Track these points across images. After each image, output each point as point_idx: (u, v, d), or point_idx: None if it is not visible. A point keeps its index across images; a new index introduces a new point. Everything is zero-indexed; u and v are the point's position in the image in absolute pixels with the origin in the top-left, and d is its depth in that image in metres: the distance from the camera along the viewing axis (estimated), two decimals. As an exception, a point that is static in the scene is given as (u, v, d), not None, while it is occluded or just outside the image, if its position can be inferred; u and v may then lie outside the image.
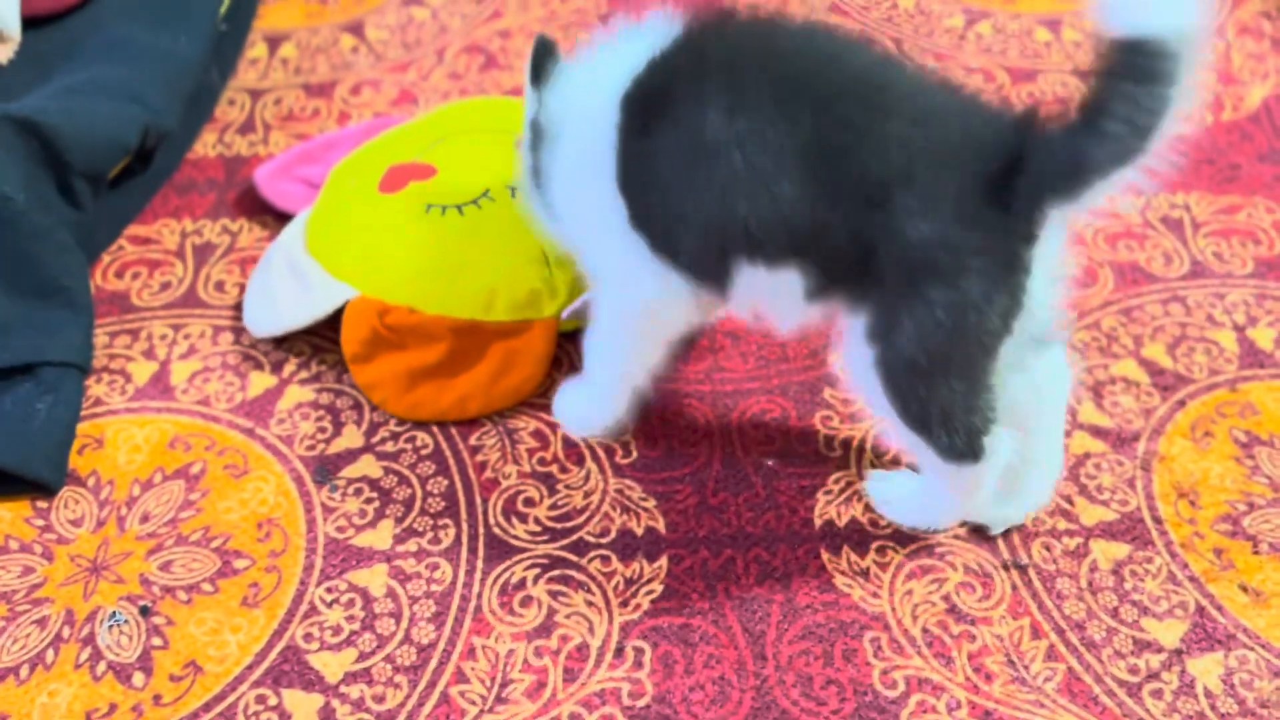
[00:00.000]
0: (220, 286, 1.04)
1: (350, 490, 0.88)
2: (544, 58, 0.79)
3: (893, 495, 0.85)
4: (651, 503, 0.88)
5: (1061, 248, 0.70)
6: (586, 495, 0.88)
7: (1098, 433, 0.92)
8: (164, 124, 1.05)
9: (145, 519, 0.87)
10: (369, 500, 0.88)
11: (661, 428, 0.93)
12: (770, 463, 0.90)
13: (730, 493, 0.88)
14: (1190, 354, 0.98)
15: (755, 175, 0.67)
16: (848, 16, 1.38)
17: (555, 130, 0.77)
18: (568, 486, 0.89)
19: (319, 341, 0.98)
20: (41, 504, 0.88)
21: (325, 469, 0.89)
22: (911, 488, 0.84)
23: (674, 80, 0.70)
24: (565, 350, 0.97)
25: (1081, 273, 1.05)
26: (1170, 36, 0.58)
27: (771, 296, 0.74)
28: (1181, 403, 0.95)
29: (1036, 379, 0.77)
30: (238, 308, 1.01)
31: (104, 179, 1.01)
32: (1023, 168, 0.63)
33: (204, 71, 1.17)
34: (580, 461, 0.90)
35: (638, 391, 0.87)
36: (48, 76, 1.08)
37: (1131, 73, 0.59)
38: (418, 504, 0.88)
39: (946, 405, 0.71)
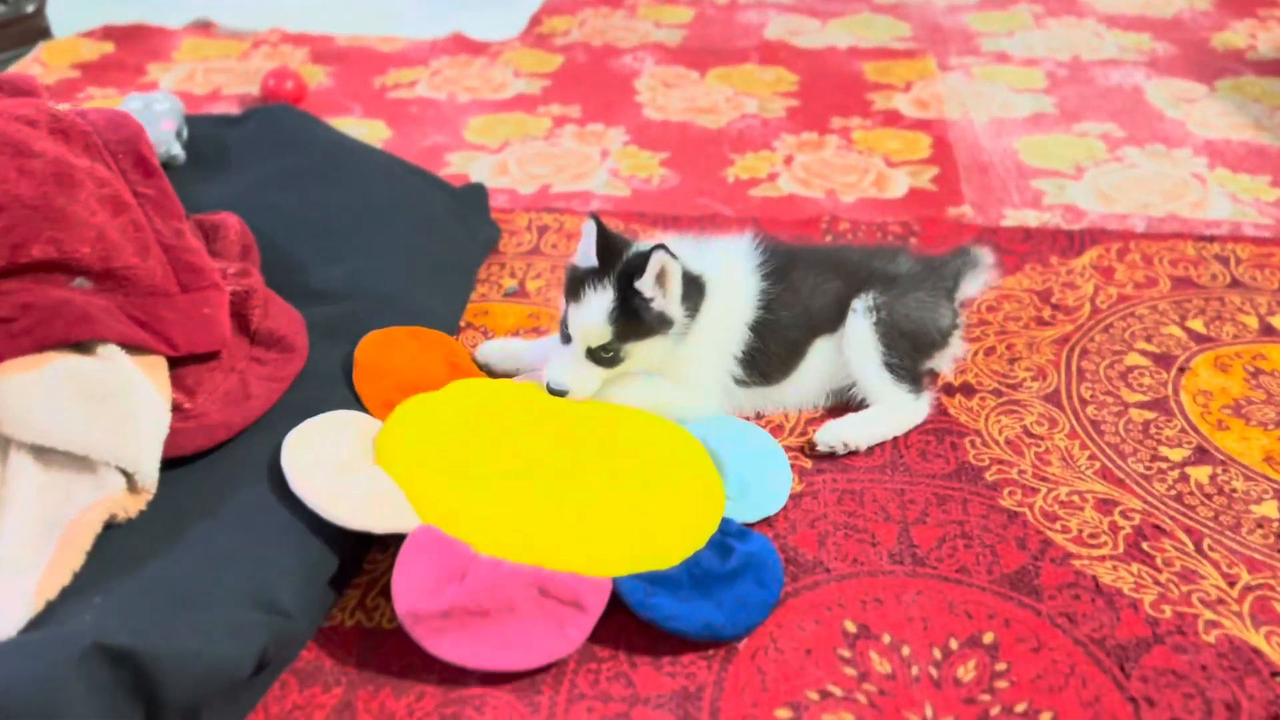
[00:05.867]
0: None
1: None
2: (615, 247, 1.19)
3: (837, 427, 1.22)
4: None
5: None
6: None
7: None
8: (295, 629, 0.85)
9: None
10: None
11: None
12: None
13: None
14: None
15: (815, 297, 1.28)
16: (1141, 487, 1.12)
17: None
18: None
19: None
20: None
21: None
22: (855, 420, 1.23)
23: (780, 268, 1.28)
24: None
25: None
26: None
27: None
28: None
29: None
30: None
31: (200, 712, 0.80)
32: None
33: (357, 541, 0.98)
34: None
35: None
36: (179, 535, 0.91)
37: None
38: None
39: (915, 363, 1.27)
